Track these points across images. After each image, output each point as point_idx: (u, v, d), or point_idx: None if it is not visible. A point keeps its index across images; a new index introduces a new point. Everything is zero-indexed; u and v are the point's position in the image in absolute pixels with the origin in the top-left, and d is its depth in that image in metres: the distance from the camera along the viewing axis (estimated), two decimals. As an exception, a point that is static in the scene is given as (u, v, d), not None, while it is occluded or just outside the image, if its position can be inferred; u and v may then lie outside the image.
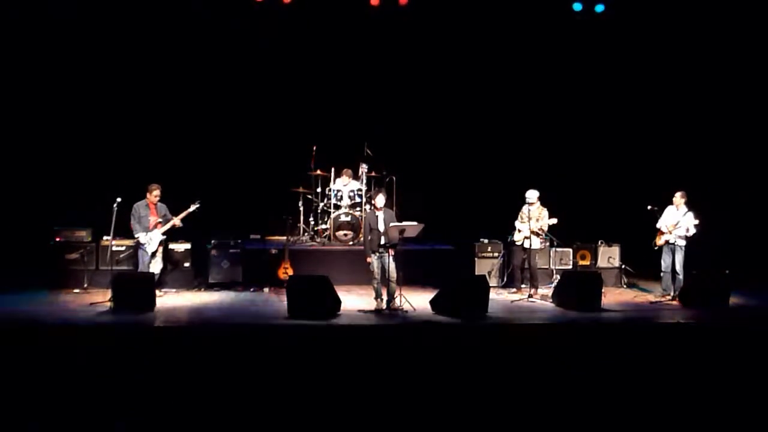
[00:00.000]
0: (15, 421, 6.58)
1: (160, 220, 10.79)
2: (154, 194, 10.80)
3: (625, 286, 12.36)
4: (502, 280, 12.25)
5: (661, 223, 11.16)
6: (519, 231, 11.45)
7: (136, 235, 10.69)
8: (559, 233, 11.88)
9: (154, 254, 10.77)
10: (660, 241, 11.17)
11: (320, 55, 13.72)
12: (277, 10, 13.20)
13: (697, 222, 10.87)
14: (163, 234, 10.84)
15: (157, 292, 10.55)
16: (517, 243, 11.50)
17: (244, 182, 13.49)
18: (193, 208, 10.88)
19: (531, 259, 11.37)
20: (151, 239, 10.69)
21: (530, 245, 11.26)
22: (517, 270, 11.69)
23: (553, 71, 14.07)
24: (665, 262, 11.19)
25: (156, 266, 10.86)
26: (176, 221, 10.84)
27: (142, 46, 13.08)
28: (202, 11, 13.10)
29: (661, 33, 13.59)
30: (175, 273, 11.55)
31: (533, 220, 11.20)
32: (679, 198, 11.09)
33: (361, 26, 13.61)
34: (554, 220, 11.21)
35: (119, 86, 13.15)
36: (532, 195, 11.25)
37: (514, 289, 11.63)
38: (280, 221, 12.17)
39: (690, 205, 11.04)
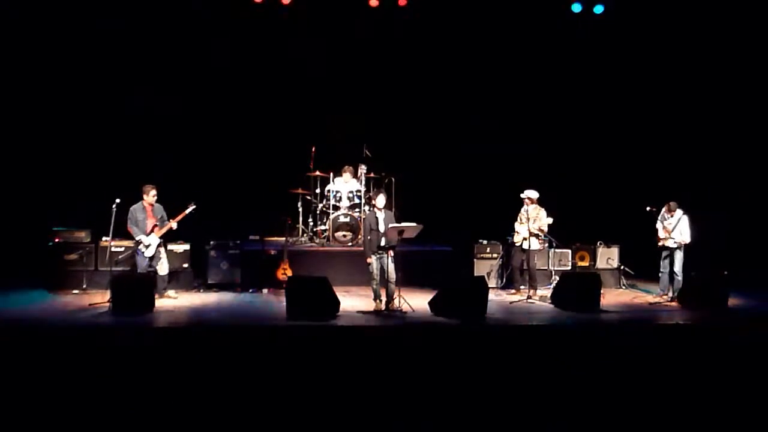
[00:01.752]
0: (14, 422, 6.58)
1: (157, 223, 10.75)
2: (152, 195, 10.75)
3: (624, 287, 12.36)
4: (501, 281, 12.25)
5: (659, 225, 11.19)
6: (517, 233, 11.45)
7: (137, 237, 10.66)
8: (558, 234, 11.89)
9: (153, 258, 10.72)
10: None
11: (319, 56, 13.71)
12: (276, 10, 13.19)
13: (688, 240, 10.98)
14: (160, 237, 10.80)
15: (172, 293, 10.95)
16: (516, 244, 11.51)
17: (243, 183, 13.47)
18: (189, 210, 10.85)
19: (530, 260, 11.37)
20: (149, 243, 10.66)
21: (529, 246, 11.26)
22: (516, 271, 11.69)
23: (552, 72, 14.07)
24: (663, 263, 11.22)
25: (163, 269, 10.84)
26: (172, 224, 10.81)
27: (142, 46, 13.07)
28: (201, 11, 13.10)
29: (660, 34, 13.59)
30: (173, 274, 11.52)
31: (531, 220, 11.21)
32: (672, 207, 11.13)
33: (361, 27, 13.61)
34: (550, 220, 11.22)
35: (118, 86, 13.12)
36: (529, 195, 11.28)
37: (513, 290, 11.63)
38: (279, 222, 12.17)
39: (684, 209, 11.08)
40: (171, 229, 10.84)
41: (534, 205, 11.31)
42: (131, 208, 10.69)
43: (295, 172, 13.04)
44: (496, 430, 6.83)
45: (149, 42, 13.08)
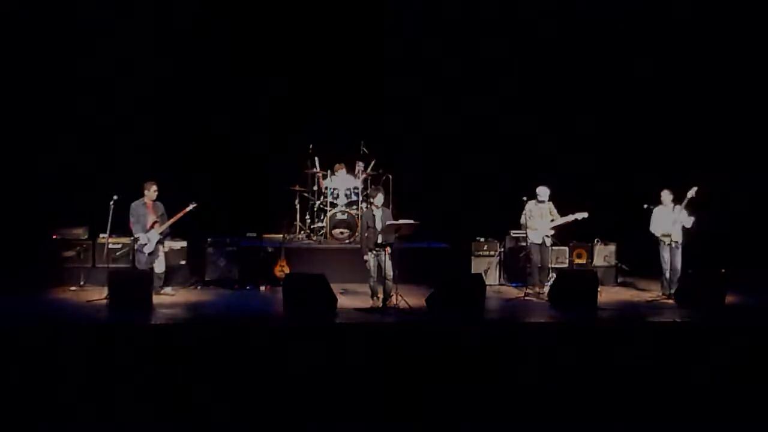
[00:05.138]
0: (13, 421, 6.60)
1: (157, 219, 10.73)
2: (152, 190, 10.70)
3: (621, 285, 12.36)
4: (499, 279, 12.28)
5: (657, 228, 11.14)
6: (534, 228, 11.24)
7: (136, 235, 10.62)
8: (555, 232, 11.90)
9: (152, 254, 10.68)
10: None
11: (316, 55, 13.71)
12: (273, 7, 13.18)
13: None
14: (160, 234, 10.76)
15: (170, 290, 10.89)
16: (536, 243, 11.30)
17: (241, 180, 13.47)
18: (189, 207, 10.78)
19: (545, 255, 11.32)
20: (149, 239, 10.62)
21: (550, 243, 11.27)
22: (536, 268, 11.36)
23: (550, 69, 14.07)
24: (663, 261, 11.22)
25: (159, 266, 10.79)
26: (185, 213, 10.69)
27: (137, 45, 13.06)
28: (199, 9, 13.10)
29: (655, 32, 13.60)
30: (171, 271, 11.51)
31: (549, 217, 11.18)
32: (667, 196, 11.10)
33: (357, 24, 13.61)
34: (585, 214, 11.15)
35: (115, 83, 13.12)
36: (544, 192, 11.25)
37: (535, 287, 11.32)
38: (277, 219, 12.17)
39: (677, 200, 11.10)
40: (186, 213, 10.68)
41: (547, 202, 11.27)
42: (132, 205, 10.65)
43: (292, 169, 13.03)
44: (493, 428, 6.86)
45: (147, 40, 13.07)
